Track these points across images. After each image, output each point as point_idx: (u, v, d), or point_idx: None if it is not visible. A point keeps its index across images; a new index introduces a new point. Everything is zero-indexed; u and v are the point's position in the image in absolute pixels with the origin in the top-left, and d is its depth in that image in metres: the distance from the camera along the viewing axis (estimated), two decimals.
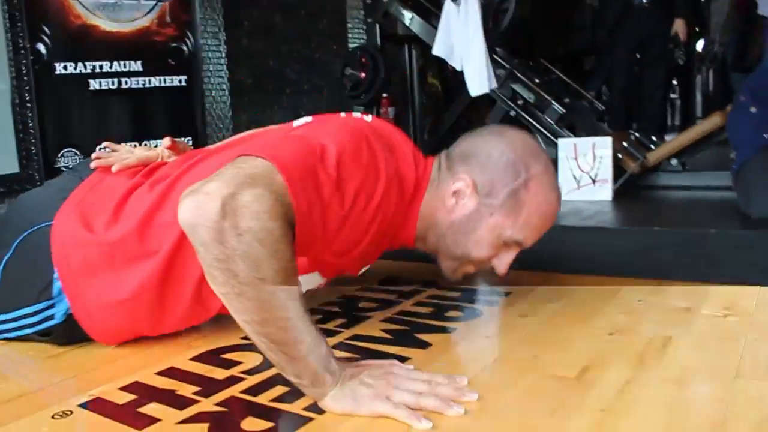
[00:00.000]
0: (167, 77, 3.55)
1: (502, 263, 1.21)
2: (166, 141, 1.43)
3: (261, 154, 0.96)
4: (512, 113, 3.41)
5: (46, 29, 3.18)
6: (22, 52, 3.15)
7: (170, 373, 1.13)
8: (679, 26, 3.96)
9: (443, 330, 1.27)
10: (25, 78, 3.17)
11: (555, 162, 3.06)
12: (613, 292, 1.50)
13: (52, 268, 1.17)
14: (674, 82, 5.65)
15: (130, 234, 1.15)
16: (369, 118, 1.25)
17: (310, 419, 0.91)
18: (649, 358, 1.09)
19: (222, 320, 1.36)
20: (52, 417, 0.97)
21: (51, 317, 1.21)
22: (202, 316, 1.24)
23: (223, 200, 0.87)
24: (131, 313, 1.18)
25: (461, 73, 3.27)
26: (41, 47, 3.18)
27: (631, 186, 3.05)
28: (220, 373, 1.11)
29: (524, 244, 1.20)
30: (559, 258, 1.92)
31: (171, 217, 1.05)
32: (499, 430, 0.88)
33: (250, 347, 1.22)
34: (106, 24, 3.32)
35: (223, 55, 3.97)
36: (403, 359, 1.13)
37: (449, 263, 1.24)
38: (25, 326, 1.23)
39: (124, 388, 1.06)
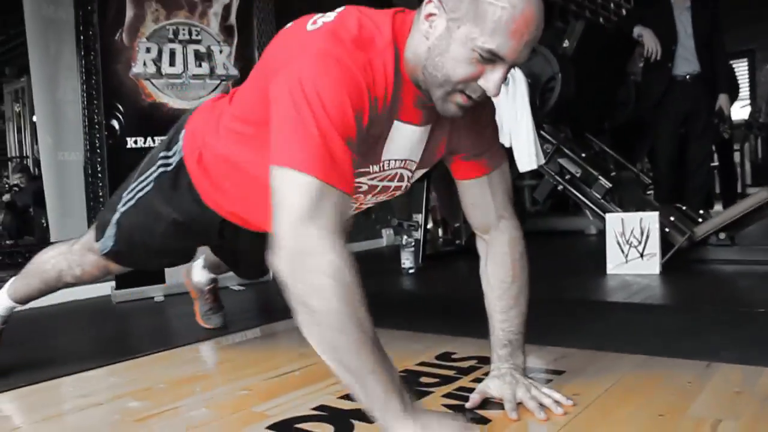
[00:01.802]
0: None
1: (490, 83, 1.12)
2: None
3: (289, 164, 1.06)
4: (560, 187, 3.51)
5: (120, 106, 3.42)
6: (97, 127, 3.39)
7: None
8: (723, 101, 4.04)
9: (501, 407, 1.34)
10: (98, 151, 3.40)
11: (603, 234, 3.13)
12: (662, 372, 1.55)
13: (180, 137, 1.58)
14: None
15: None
16: (330, 18, 1.19)
17: None
18: None
19: (298, 392, 1.48)
20: None
21: (169, 164, 1.59)
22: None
23: (291, 266, 1.02)
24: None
25: (509, 147, 3.40)
26: (115, 123, 3.41)
27: (679, 259, 3.09)
28: None
29: (504, 55, 1.09)
30: (607, 334, 1.98)
31: (219, 149, 1.46)
32: None
33: (321, 418, 1.33)
34: (174, 102, 3.54)
35: None
36: None
37: (437, 92, 1.16)
38: (155, 171, 1.62)
39: None
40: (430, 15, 1.14)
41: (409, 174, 1.39)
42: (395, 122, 1.24)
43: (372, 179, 1.34)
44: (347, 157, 1.08)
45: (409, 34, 1.19)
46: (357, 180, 1.30)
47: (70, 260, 1.76)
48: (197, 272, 2.32)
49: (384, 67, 1.16)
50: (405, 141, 1.28)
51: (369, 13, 1.20)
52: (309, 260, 1.01)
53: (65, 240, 1.85)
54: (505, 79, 1.14)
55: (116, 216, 1.68)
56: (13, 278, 1.87)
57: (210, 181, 1.54)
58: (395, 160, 1.32)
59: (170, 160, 1.61)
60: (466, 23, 1.09)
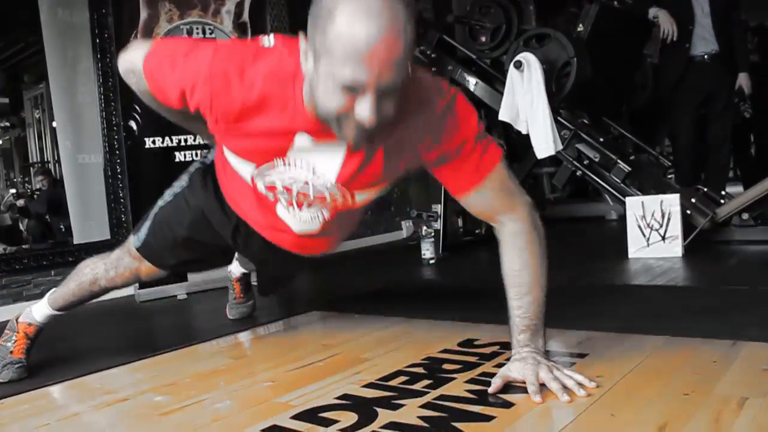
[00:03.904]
0: None
1: (361, 112, 1.12)
2: None
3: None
4: (578, 173, 3.48)
5: (137, 108, 3.44)
6: (115, 128, 3.42)
7: (273, 431, 1.25)
8: (743, 80, 3.98)
9: (524, 391, 1.33)
10: (117, 152, 3.43)
11: (624, 219, 3.11)
12: (687, 352, 1.54)
13: None
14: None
15: None
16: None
17: None
18: (725, 419, 1.13)
19: (322, 382, 1.49)
20: None
21: (205, 161, 1.75)
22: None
23: None
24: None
25: (527, 134, 3.38)
26: (133, 124, 3.43)
27: (701, 241, 3.06)
28: None
29: (363, 83, 1.09)
30: (631, 317, 1.97)
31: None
32: None
33: (345, 407, 1.33)
34: None
35: None
36: (488, 418, 1.21)
37: (329, 122, 1.19)
38: (193, 167, 1.77)
39: None
40: (303, 51, 1.19)
41: (334, 185, 1.42)
42: (298, 133, 1.32)
43: (282, 177, 1.43)
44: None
45: None
46: (268, 173, 1.43)
47: (107, 264, 1.85)
48: (234, 263, 2.38)
49: (282, 88, 1.26)
50: (311, 151, 1.36)
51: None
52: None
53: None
54: (378, 105, 1.12)
55: (154, 211, 1.80)
56: (55, 288, 1.93)
57: (221, 178, 1.65)
58: (301, 161, 1.38)
59: (207, 158, 1.75)
60: (323, 57, 1.11)
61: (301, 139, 1.33)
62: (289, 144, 1.34)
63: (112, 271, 1.84)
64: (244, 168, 1.47)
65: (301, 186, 1.44)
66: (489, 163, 1.39)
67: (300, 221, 1.57)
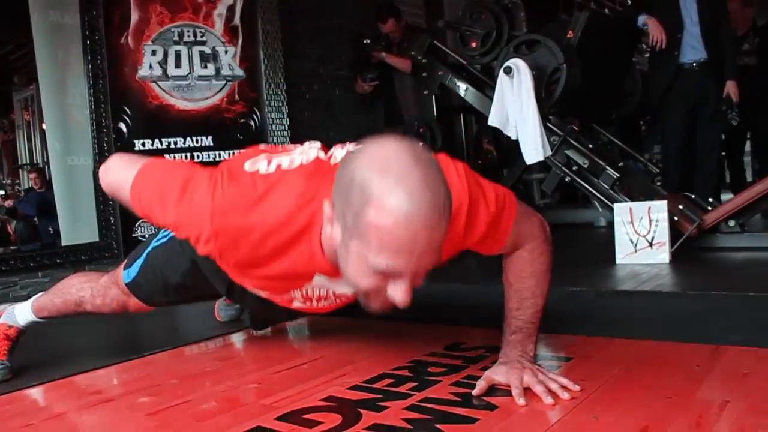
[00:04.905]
0: (236, 151, 3.76)
1: (396, 295, 1.08)
2: None
3: None
4: (567, 179, 3.50)
5: (127, 110, 3.44)
6: (105, 130, 3.41)
7: None
8: (731, 88, 4.01)
9: (508, 393, 1.34)
10: (107, 154, 3.41)
11: (611, 226, 3.12)
12: (671, 357, 1.55)
13: None
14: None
15: None
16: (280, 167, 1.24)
17: None
18: (706, 422, 1.15)
19: (306, 383, 1.49)
20: None
21: None
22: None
23: None
24: None
25: (516, 140, 3.40)
26: (122, 126, 3.43)
27: (688, 248, 3.07)
28: None
29: (398, 271, 1.04)
30: (616, 322, 1.98)
31: None
32: None
33: (330, 408, 1.34)
34: (180, 103, 3.57)
35: (286, 127, 4.20)
36: (471, 420, 1.22)
37: (355, 292, 1.15)
38: None
39: None
40: (327, 217, 1.11)
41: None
42: (317, 274, 1.28)
43: (302, 295, 1.42)
44: None
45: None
46: (285, 295, 1.43)
47: (94, 290, 1.79)
48: None
49: (296, 243, 1.19)
50: (331, 283, 1.33)
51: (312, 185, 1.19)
52: None
53: (99, 272, 1.89)
54: (412, 287, 1.09)
55: (148, 249, 1.71)
56: (41, 293, 1.90)
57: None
58: (320, 289, 1.39)
59: None
60: (355, 238, 1.04)
61: (320, 278, 1.30)
62: (307, 282, 1.33)
63: (99, 299, 1.78)
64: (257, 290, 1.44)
65: (320, 294, 1.43)
66: (509, 221, 1.35)
67: (314, 307, 1.51)
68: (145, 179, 1.28)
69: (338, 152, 1.29)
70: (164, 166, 1.31)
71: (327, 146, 1.35)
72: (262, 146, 1.44)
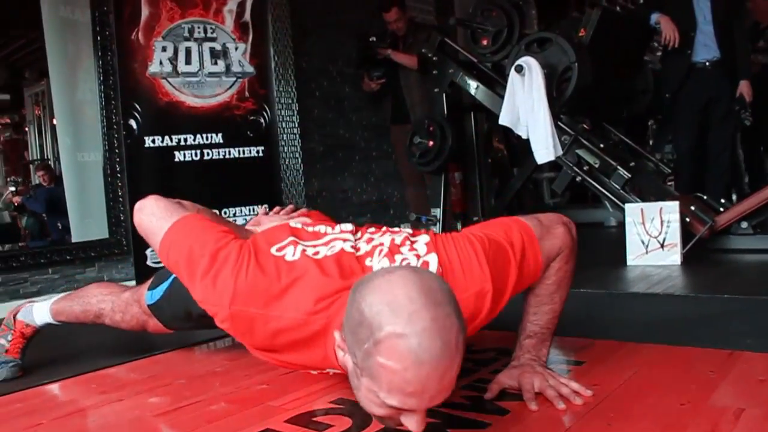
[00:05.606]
0: (246, 148, 3.76)
1: (410, 424, 1.02)
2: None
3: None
4: (578, 179, 3.47)
5: (137, 106, 3.44)
6: (115, 127, 3.42)
7: None
8: (744, 87, 3.97)
9: (519, 397, 1.33)
10: (117, 151, 3.43)
11: (622, 226, 3.10)
12: (684, 362, 1.53)
13: None
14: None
15: None
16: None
17: None
18: (722, 430, 1.13)
19: (316, 385, 1.48)
20: None
21: None
22: None
23: None
24: None
25: (527, 139, 3.38)
26: (133, 123, 3.43)
27: (700, 249, 3.05)
28: None
29: (410, 408, 0.99)
30: (627, 325, 1.96)
31: None
32: None
33: (340, 411, 1.33)
34: (190, 100, 3.56)
35: (296, 124, 4.19)
36: (483, 425, 1.21)
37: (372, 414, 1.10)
38: None
39: None
40: (340, 346, 1.09)
41: None
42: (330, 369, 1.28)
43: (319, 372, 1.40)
44: None
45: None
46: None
47: (115, 304, 1.80)
48: None
49: (311, 347, 1.20)
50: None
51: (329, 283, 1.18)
52: None
53: (122, 284, 1.89)
54: (425, 417, 1.03)
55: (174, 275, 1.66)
56: (60, 296, 1.91)
57: None
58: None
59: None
60: (365, 376, 1.01)
61: (335, 370, 1.29)
62: (322, 370, 1.33)
63: (119, 315, 1.79)
64: None
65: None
66: (537, 257, 1.32)
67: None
68: (177, 237, 1.27)
69: (363, 246, 1.29)
70: (198, 229, 1.28)
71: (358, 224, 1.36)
72: (292, 223, 1.41)
